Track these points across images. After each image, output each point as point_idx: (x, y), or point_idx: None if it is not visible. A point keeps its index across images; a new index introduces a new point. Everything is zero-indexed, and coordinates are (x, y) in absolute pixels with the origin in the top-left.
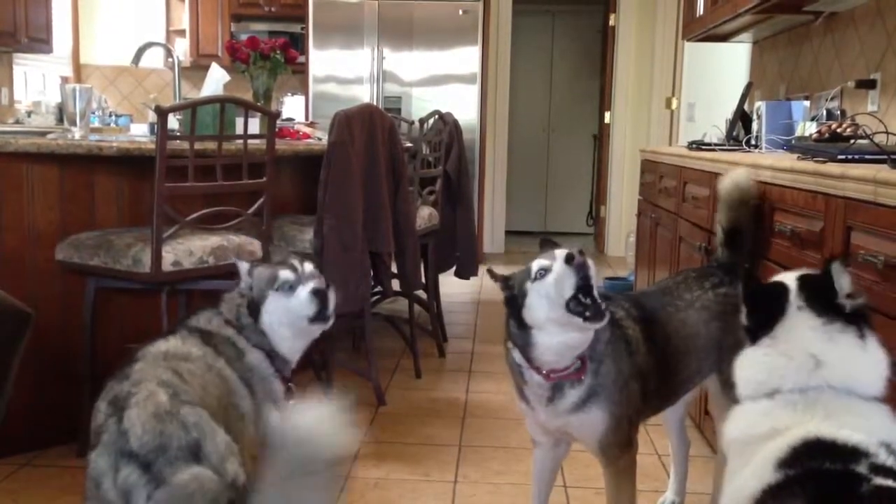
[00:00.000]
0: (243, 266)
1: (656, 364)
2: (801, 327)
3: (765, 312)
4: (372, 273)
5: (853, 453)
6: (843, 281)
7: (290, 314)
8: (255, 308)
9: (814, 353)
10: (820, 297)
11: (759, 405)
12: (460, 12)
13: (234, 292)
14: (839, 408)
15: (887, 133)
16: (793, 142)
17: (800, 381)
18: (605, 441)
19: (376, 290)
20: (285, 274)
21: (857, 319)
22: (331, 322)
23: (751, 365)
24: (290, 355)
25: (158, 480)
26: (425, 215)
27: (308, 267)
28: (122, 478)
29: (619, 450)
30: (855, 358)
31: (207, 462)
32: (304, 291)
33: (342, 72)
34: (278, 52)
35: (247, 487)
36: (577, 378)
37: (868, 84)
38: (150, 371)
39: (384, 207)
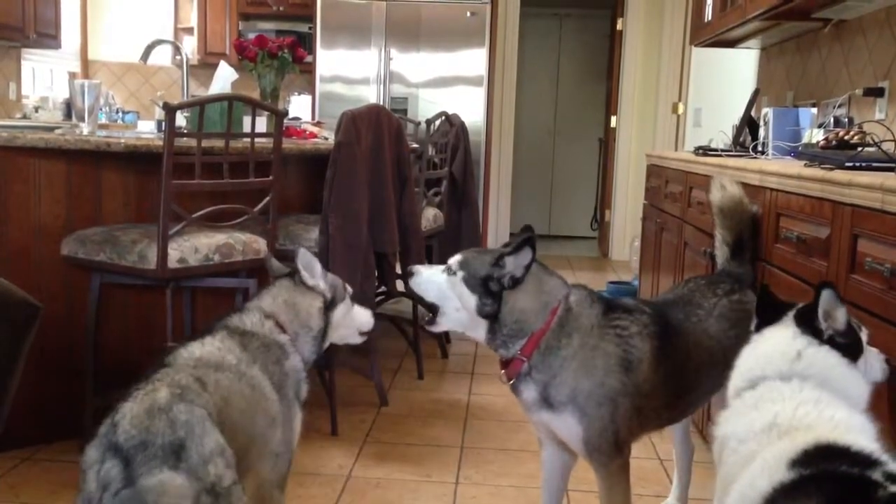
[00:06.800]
0: (318, 267)
1: (665, 382)
2: (785, 331)
3: (765, 320)
4: (376, 273)
5: (868, 460)
6: (827, 306)
7: (353, 323)
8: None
9: (797, 348)
10: (807, 316)
11: (745, 398)
12: (468, 14)
13: (290, 292)
14: (821, 399)
15: (895, 141)
16: (800, 149)
17: (782, 369)
18: (589, 447)
19: (380, 290)
20: (346, 285)
21: (839, 345)
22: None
23: (742, 360)
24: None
25: (132, 478)
26: (430, 216)
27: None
28: (104, 470)
29: (607, 457)
30: (833, 364)
31: (187, 463)
32: (366, 311)
33: (349, 72)
34: (286, 50)
35: (232, 489)
36: (513, 369)
37: (876, 92)
38: (170, 375)
39: (390, 208)
